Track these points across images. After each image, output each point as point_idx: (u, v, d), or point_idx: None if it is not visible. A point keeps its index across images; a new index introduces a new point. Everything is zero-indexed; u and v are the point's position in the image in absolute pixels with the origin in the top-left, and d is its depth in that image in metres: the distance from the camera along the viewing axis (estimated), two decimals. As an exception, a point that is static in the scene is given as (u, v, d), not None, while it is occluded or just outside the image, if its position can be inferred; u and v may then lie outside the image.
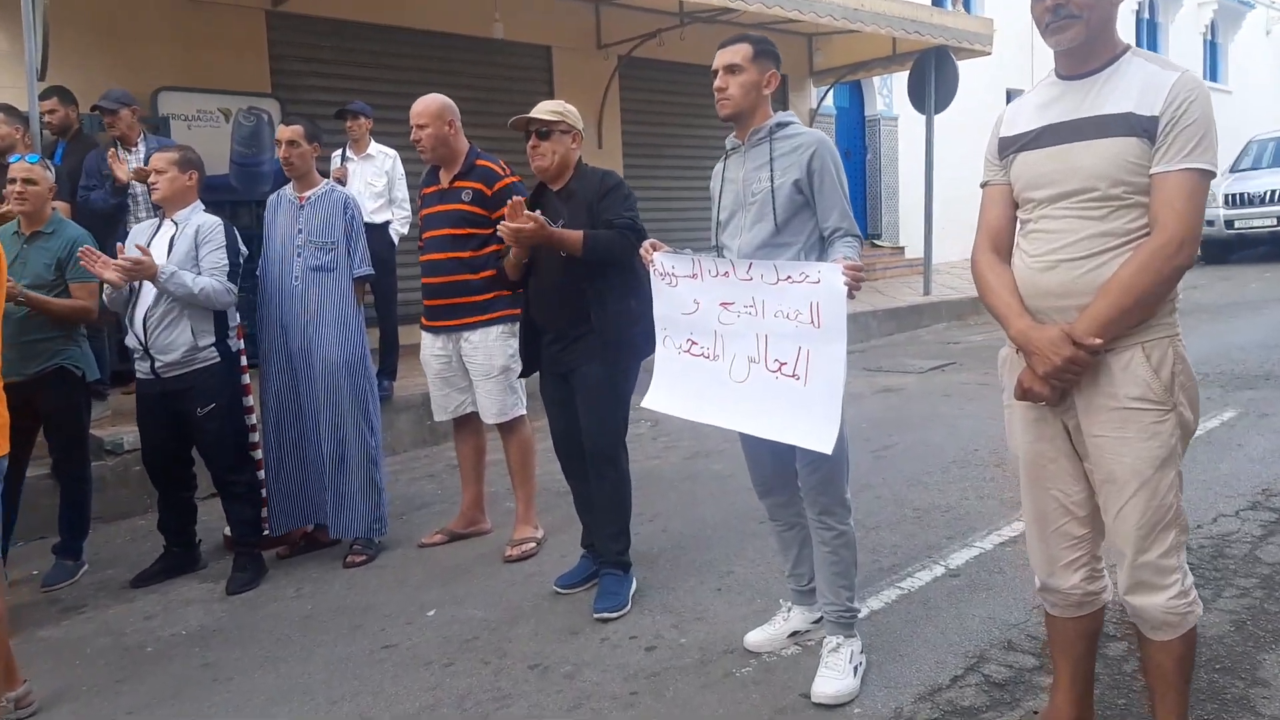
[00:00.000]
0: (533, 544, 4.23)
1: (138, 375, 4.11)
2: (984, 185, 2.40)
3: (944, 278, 13.00)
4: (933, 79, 11.23)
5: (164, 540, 4.35)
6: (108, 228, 5.33)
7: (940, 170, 11.73)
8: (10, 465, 4.28)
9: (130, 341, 4.06)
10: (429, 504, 5.18)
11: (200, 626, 3.76)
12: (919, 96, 11.41)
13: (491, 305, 4.12)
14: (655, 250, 2.99)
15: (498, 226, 3.45)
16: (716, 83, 2.89)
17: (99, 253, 3.78)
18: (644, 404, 3.09)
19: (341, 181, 6.26)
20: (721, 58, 2.90)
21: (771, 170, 2.85)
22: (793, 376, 2.63)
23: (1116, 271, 2.07)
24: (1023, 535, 3.95)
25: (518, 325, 4.17)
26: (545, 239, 3.41)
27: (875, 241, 14.71)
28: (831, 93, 13.49)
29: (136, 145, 5.65)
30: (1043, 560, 2.35)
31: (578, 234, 3.44)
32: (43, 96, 5.58)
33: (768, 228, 2.85)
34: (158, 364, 3.99)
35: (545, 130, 3.56)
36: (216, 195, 6.70)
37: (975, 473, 4.89)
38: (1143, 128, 2.04)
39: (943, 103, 11.33)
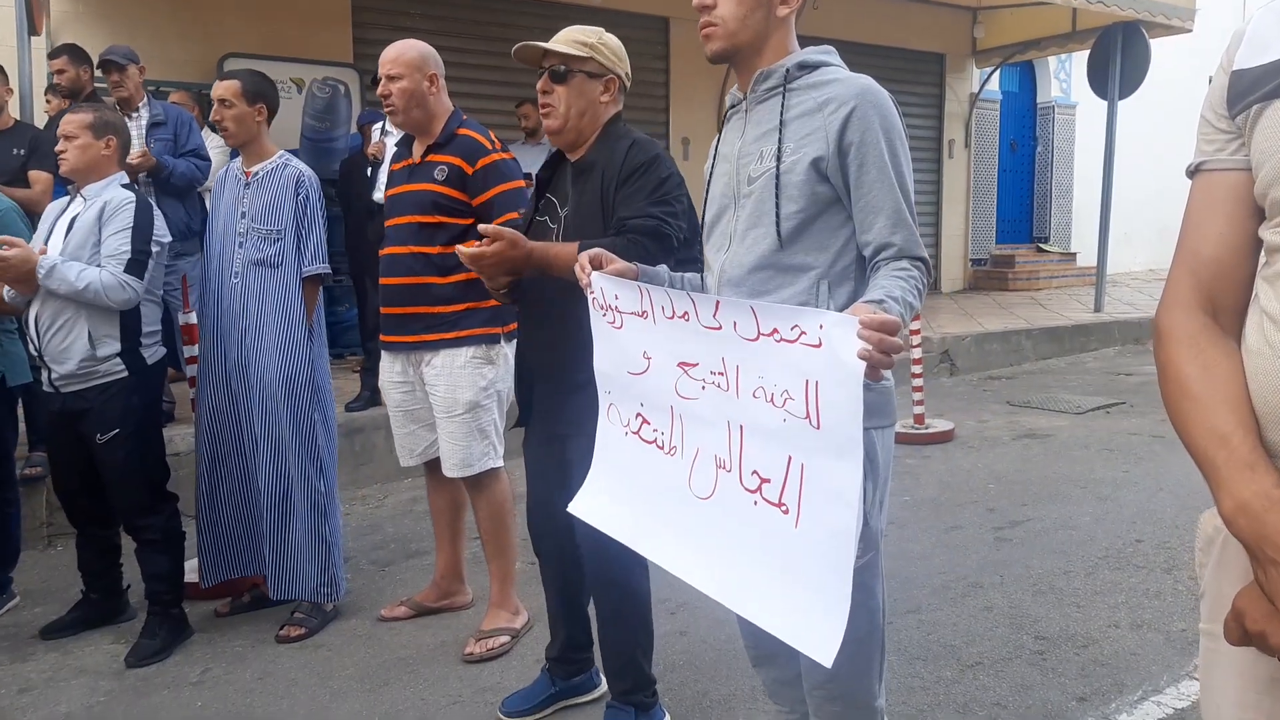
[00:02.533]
0: (505, 638, 3.21)
1: (44, 387, 3.34)
2: (1193, 172, 1.18)
3: (1120, 291, 11.16)
4: (1119, 59, 9.49)
5: (82, 584, 3.59)
6: None
7: (1123, 167, 9.97)
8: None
9: (31, 347, 3.29)
10: (426, 551, 4.24)
11: (67, 715, 2.94)
12: (1101, 80, 9.69)
13: (462, 320, 3.11)
14: (597, 268, 1.87)
15: (456, 249, 2.35)
16: None
17: None
18: (570, 508, 1.99)
19: (378, 158, 5.43)
20: None
21: (780, 140, 1.71)
22: (778, 506, 1.48)
23: None
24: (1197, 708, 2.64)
25: (497, 349, 3.16)
26: (523, 263, 2.31)
27: (1041, 246, 12.90)
28: (998, 75, 11.81)
29: (139, 110, 4.96)
30: None
31: (570, 250, 2.27)
32: (52, 55, 4.98)
33: (767, 238, 1.73)
34: (54, 375, 3.20)
35: (561, 70, 2.44)
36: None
37: (1134, 580, 3.52)
38: None
39: (1129, 87, 9.58)
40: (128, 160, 4.54)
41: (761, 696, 2.81)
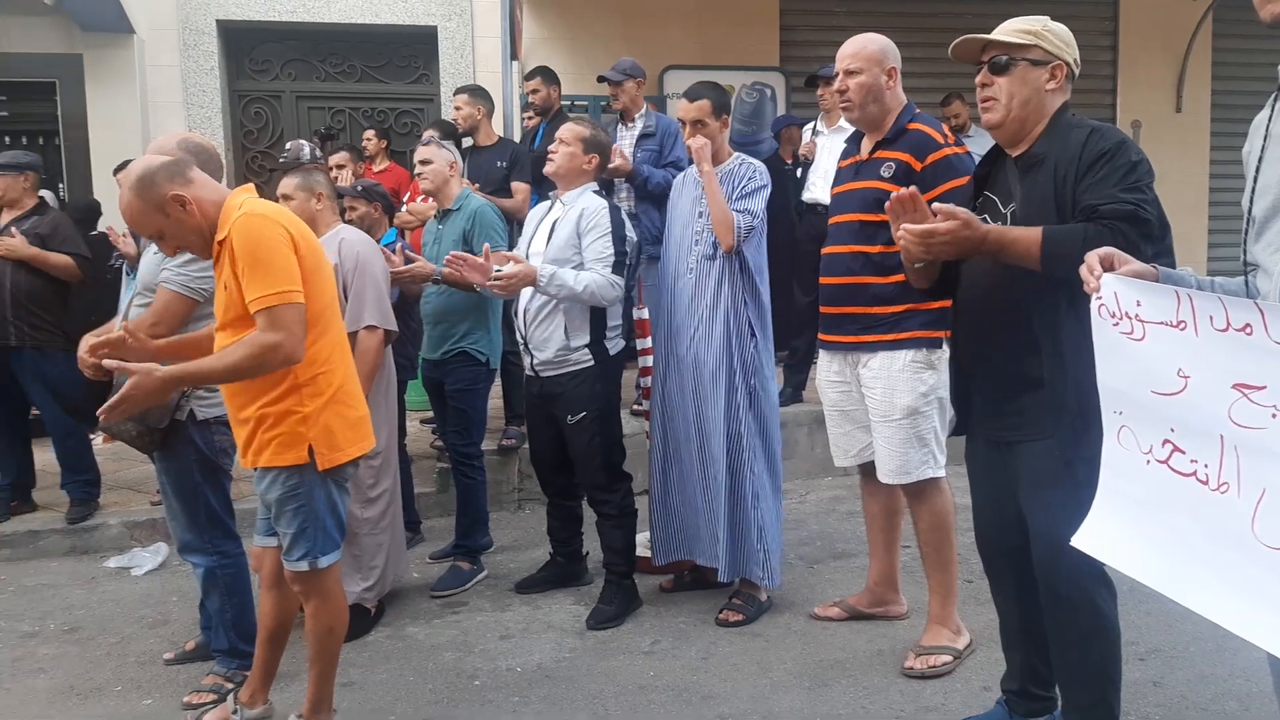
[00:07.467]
0: (947, 657, 3.05)
1: (526, 372, 3.77)
2: None
3: None
4: None
5: (550, 547, 4.02)
6: None
7: None
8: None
9: (518, 335, 3.72)
10: (854, 554, 4.19)
11: (539, 666, 3.28)
12: None
13: (903, 322, 3.00)
14: (1108, 268, 1.66)
15: (895, 233, 2.27)
16: None
17: (468, 257, 3.43)
18: (1074, 542, 1.80)
19: (809, 158, 5.46)
20: None
21: None
22: None
23: None
24: None
25: (939, 354, 3.01)
26: (976, 246, 2.19)
27: None
28: None
29: (635, 120, 5.30)
30: None
31: (1032, 235, 2.14)
32: (527, 77, 5.62)
33: None
34: (535, 361, 3.59)
35: (1003, 61, 2.30)
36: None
37: None
38: None
39: None
40: (609, 165, 4.96)
41: (1269, 771, 2.40)
